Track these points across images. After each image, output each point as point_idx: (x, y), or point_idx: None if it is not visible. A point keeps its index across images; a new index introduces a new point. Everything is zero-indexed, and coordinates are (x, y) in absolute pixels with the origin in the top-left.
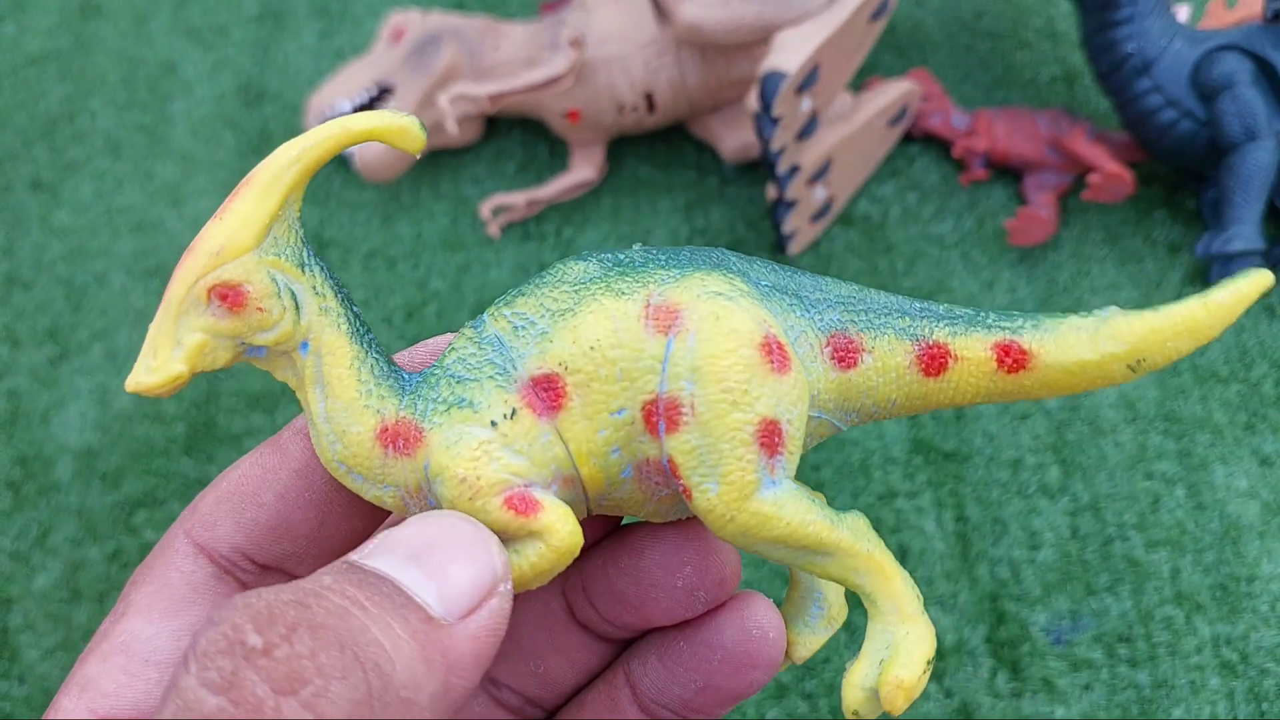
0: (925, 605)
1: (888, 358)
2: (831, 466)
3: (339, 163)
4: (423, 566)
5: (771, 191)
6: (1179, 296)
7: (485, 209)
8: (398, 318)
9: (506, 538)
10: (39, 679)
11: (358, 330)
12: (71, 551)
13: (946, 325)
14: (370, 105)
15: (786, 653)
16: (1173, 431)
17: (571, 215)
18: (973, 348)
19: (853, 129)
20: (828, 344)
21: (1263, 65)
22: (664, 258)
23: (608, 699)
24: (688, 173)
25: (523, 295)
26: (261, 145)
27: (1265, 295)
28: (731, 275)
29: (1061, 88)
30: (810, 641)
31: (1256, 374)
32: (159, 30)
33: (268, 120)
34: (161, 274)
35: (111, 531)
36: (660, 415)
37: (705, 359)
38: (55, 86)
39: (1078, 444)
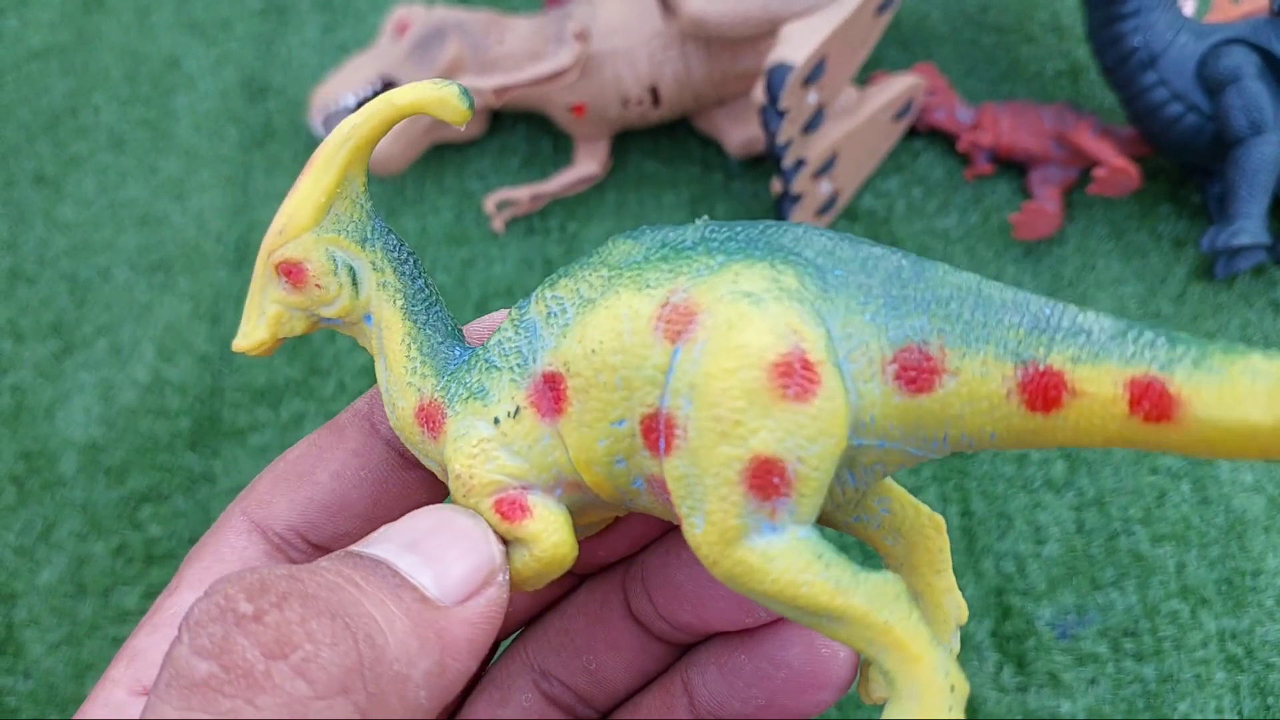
0: None
1: (978, 383)
2: None
3: None
4: (419, 553)
5: (776, 185)
6: (1184, 291)
7: (490, 203)
8: None
9: (500, 539)
10: (44, 674)
11: (415, 305)
12: (76, 546)
13: (1071, 345)
14: (373, 99)
15: (863, 687)
16: None
17: (576, 210)
18: (1099, 381)
19: (858, 123)
20: (895, 359)
21: (1269, 59)
22: (720, 239)
23: (664, 705)
24: (692, 167)
25: (567, 276)
26: (265, 140)
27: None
28: (784, 267)
29: (1067, 82)
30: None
31: None
32: (161, 24)
33: (271, 115)
34: (165, 268)
35: (116, 526)
36: (660, 432)
37: (703, 377)
38: (58, 81)
39: None
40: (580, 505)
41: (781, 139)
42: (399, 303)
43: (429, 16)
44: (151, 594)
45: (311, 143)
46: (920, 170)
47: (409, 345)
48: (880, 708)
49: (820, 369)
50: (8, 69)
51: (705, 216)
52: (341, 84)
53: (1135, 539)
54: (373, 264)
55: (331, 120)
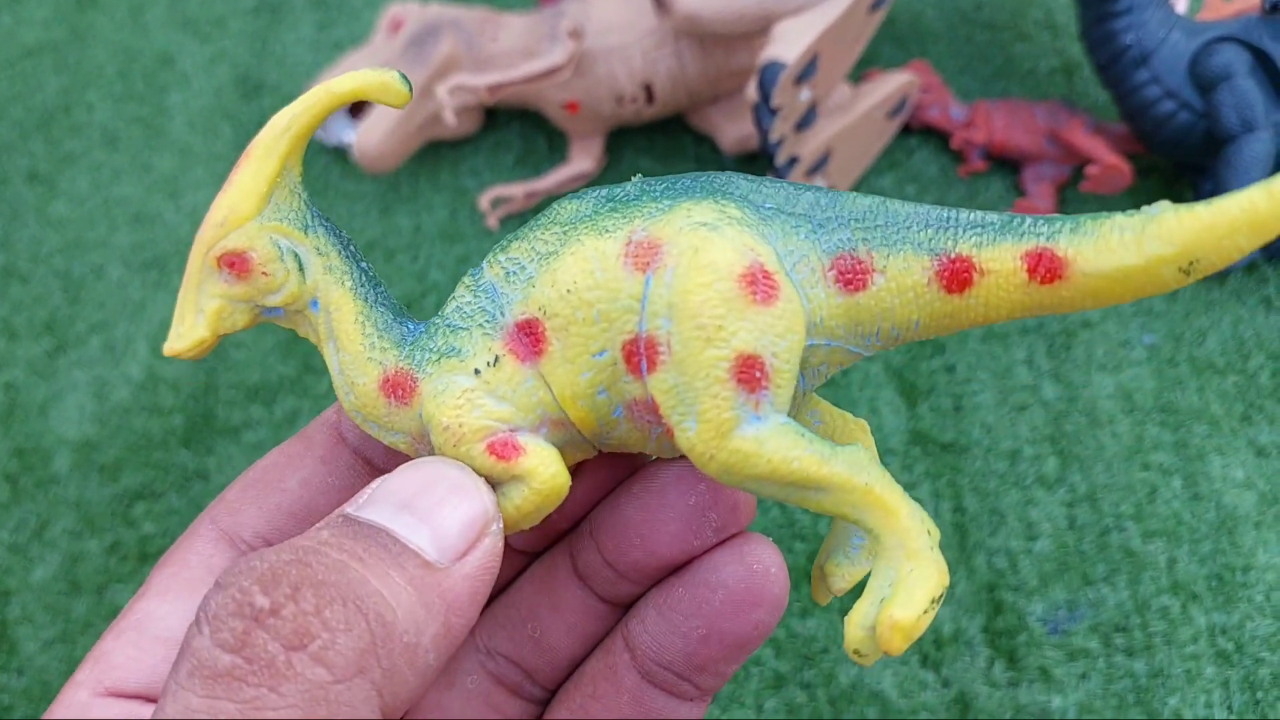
0: None
1: (902, 276)
2: None
3: (337, 154)
4: (414, 513)
5: None
6: (1177, 290)
7: (484, 201)
8: None
9: (494, 482)
10: (38, 671)
11: (363, 286)
12: (70, 544)
13: (973, 235)
14: None
15: (827, 585)
16: (1169, 423)
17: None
18: (1000, 259)
19: (851, 120)
20: (832, 266)
21: (1260, 56)
22: (660, 189)
23: (606, 668)
24: (686, 164)
25: (517, 239)
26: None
27: (1268, 275)
28: (725, 202)
29: (1060, 79)
30: (849, 573)
31: (1253, 365)
32: (155, 22)
33: (265, 112)
34: (159, 266)
35: (110, 524)
36: (641, 354)
37: (680, 295)
38: (51, 78)
39: (1075, 435)
40: (560, 444)
41: (774, 136)
42: (347, 284)
43: (423, 14)
44: None
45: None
46: (914, 167)
47: (363, 323)
48: (806, 656)
49: (777, 277)
50: (1, 66)
51: (639, 175)
52: None
53: (1126, 535)
54: (317, 249)
55: (327, 120)
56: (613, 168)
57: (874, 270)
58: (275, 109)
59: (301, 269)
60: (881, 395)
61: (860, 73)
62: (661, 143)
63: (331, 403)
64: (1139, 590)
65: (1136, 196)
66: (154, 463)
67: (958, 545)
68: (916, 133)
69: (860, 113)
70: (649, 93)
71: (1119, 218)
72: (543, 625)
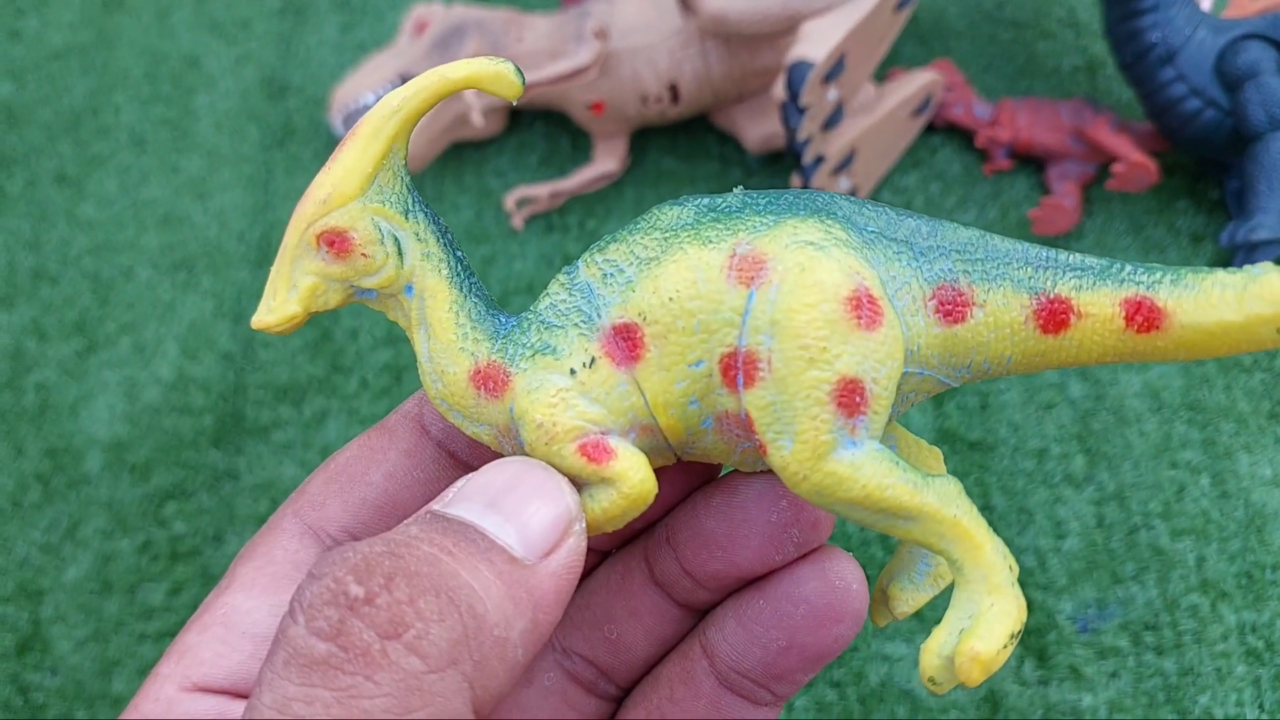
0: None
1: (1001, 312)
2: None
3: None
4: (501, 511)
5: (796, 182)
6: None
7: (509, 201)
8: None
9: (581, 483)
10: (71, 670)
11: (458, 275)
12: (102, 544)
13: (1072, 277)
14: None
15: (889, 607)
16: (1197, 421)
17: (594, 207)
18: (1099, 303)
19: (877, 119)
20: (933, 296)
21: None
22: (763, 202)
23: (683, 671)
24: (711, 164)
25: (616, 241)
26: (285, 139)
27: None
28: (830, 222)
29: (1084, 77)
30: (914, 598)
31: None
32: (181, 24)
33: (291, 113)
34: (188, 267)
35: (141, 523)
36: (739, 369)
37: (785, 313)
38: (79, 81)
39: (1103, 433)
40: (644, 450)
41: (802, 136)
42: (444, 272)
43: (448, 15)
44: (176, 590)
45: (331, 141)
46: (938, 166)
47: (457, 312)
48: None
49: (881, 303)
50: (29, 69)
51: (741, 186)
52: (361, 83)
53: (1155, 533)
54: (416, 235)
55: (351, 119)
56: (637, 167)
57: (974, 304)
58: (300, 110)
59: (400, 253)
60: None
61: (884, 72)
62: (686, 142)
63: (359, 403)
64: (1168, 588)
65: (1164, 196)
66: (184, 462)
67: None
68: (940, 131)
69: (885, 111)
70: (674, 93)
71: (1221, 274)
72: (619, 628)
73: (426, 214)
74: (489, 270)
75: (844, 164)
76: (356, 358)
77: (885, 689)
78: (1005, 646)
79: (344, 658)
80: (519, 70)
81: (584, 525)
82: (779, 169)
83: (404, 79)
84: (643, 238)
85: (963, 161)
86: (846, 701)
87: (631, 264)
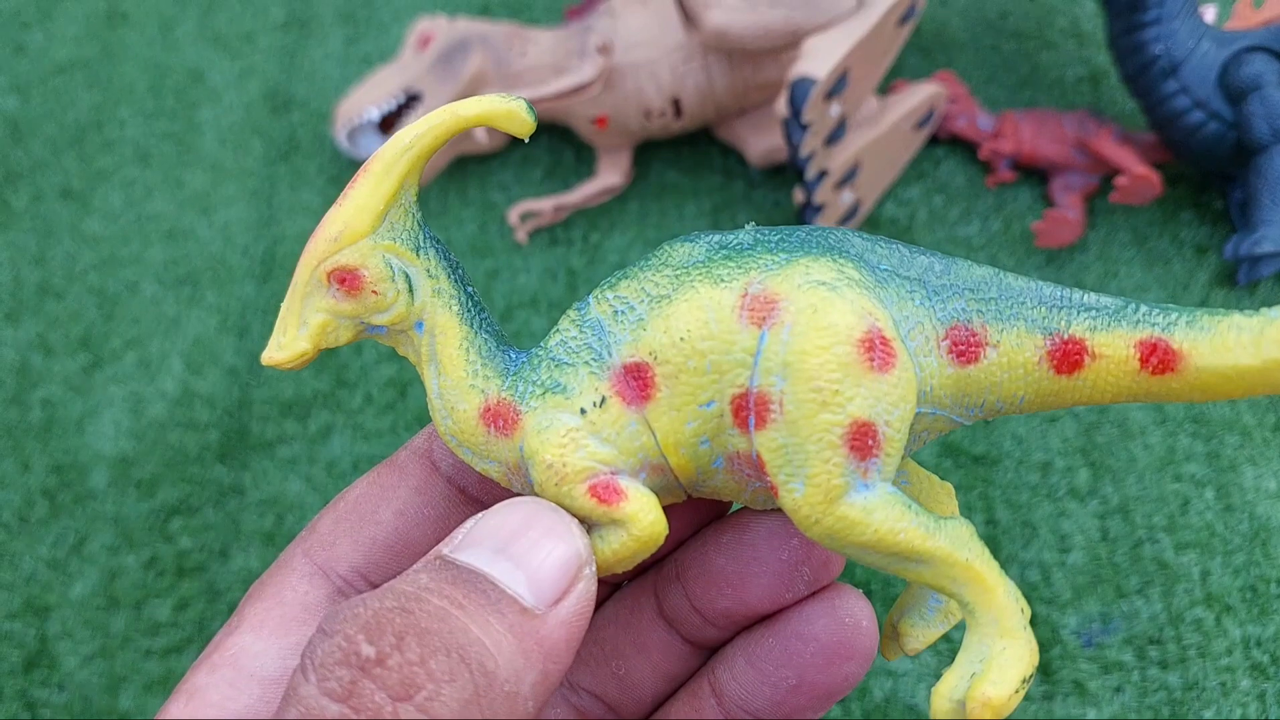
0: None
1: (1014, 353)
2: None
3: None
4: (511, 557)
5: (799, 196)
6: (1206, 298)
7: (513, 215)
8: None
9: (591, 523)
10: (78, 686)
11: (469, 311)
12: (108, 559)
13: (1087, 318)
14: (398, 112)
15: (900, 644)
16: (1201, 434)
17: (598, 220)
18: (1114, 345)
19: (880, 133)
20: (946, 336)
21: None
22: (775, 240)
23: (692, 710)
24: (714, 177)
25: (626, 278)
26: (290, 152)
27: None
28: (843, 261)
29: (1087, 88)
30: (924, 635)
31: None
32: (186, 38)
33: (295, 127)
34: (192, 282)
35: (147, 539)
36: (750, 410)
37: (797, 355)
38: (84, 95)
39: (1107, 446)
40: (655, 489)
41: (805, 151)
42: (454, 309)
43: (452, 29)
44: (182, 606)
45: (336, 155)
46: (942, 178)
47: (467, 349)
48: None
49: (894, 344)
50: (33, 83)
51: (753, 223)
52: (365, 97)
53: (1159, 547)
54: (427, 271)
55: (355, 133)
56: (640, 181)
57: (987, 344)
58: (304, 124)
59: (411, 290)
60: None
61: (887, 84)
62: (689, 156)
63: (363, 418)
64: (1173, 602)
65: (1168, 207)
66: (190, 478)
67: None
68: (944, 143)
69: (888, 125)
70: (677, 107)
71: (1238, 317)
72: (627, 664)
73: (438, 249)
74: (493, 284)
75: (847, 178)
76: (361, 373)
77: (890, 704)
78: (1017, 691)
79: (355, 719)
80: (531, 107)
81: (594, 568)
82: (782, 182)
83: (408, 93)
84: (654, 275)
85: (966, 174)
86: (851, 717)
87: (643, 301)
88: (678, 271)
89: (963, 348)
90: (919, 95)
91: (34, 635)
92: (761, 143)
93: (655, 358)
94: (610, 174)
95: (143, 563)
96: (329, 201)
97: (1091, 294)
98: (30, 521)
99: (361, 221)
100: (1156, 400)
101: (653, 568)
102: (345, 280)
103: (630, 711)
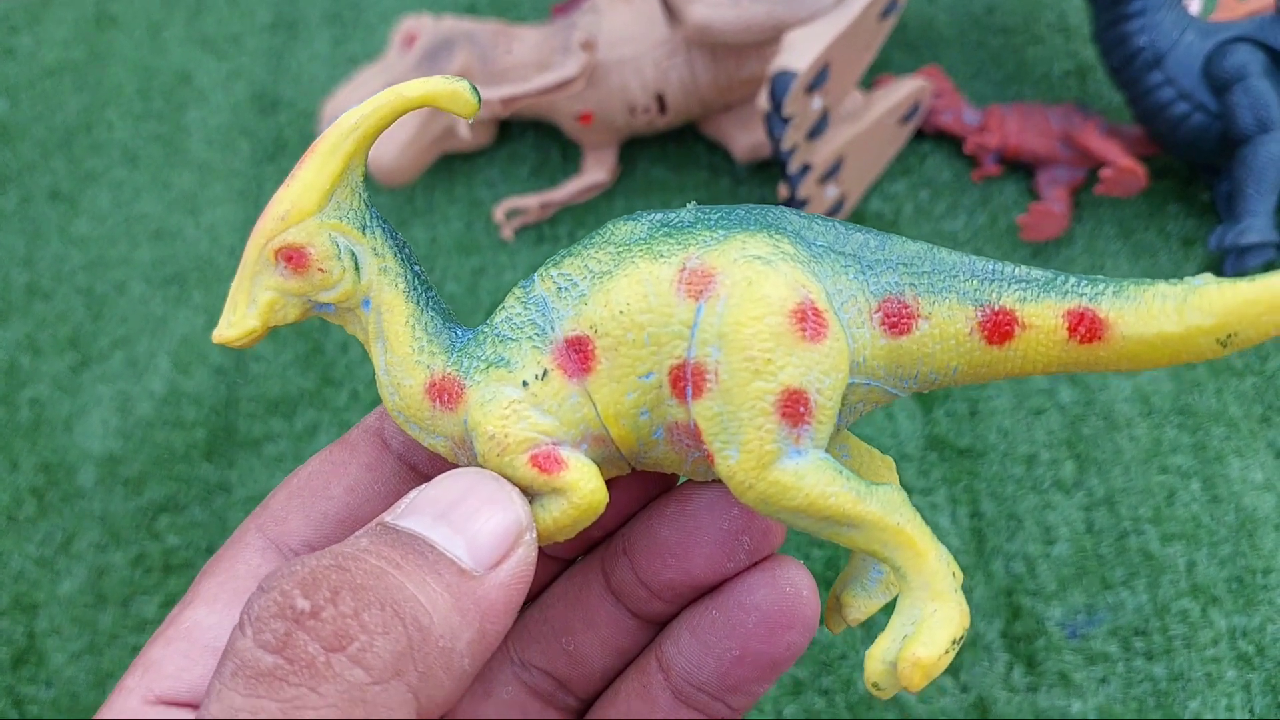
0: None
1: (946, 324)
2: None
3: None
4: (451, 523)
5: (783, 191)
6: None
7: (499, 212)
8: None
9: (533, 493)
10: (66, 682)
11: (415, 288)
12: (95, 557)
13: (1017, 289)
14: None
15: (843, 614)
16: (1188, 425)
17: (585, 217)
18: (1043, 315)
19: (864, 127)
20: (879, 309)
21: (1275, 56)
22: (714, 218)
23: (640, 686)
24: (700, 173)
25: (570, 256)
26: (277, 153)
27: None
28: (779, 236)
29: (1074, 82)
30: (866, 605)
31: (1272, 366)
32: (174, 40)
33: (282, 128)
34: (180, 281)
35: (135, 537)
36: (687, 380)
37: (732, 326)
38: (72, 98)
39: (1092, 439)
40: (598, 460)
41: (786, 145)
42: (400, 286)
43: (437, 28)
44: (170, 603)
45: None
46: (928, 173)
47: (414, 326)
48: (825, 662)
49: (826, 315)
50: (22, 86)
51: (694, 201)
52: (350, 97)
53: (1145, 538)
54: (374, 249)
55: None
56: (627, 177)
57: (919, 315)
58: (291, 124)
59: (357, 268)
60: (898, 400)
61: (872, 79)
62: (675, 152)
63: (350, 416)
64: (1158, 594)
65: (1154, 200)
66: (177, 476)
67: (975, 550)
68: (930, 138)
69: (872, 119)
70: (661, 103)
71: (1162, 285)
72: (576, 640)
73: (384, 229)
74: (479, 281)
75: (831, 172)
76: (347, 371)
77: (874, 696)
78: (947, 652)
79: (289, 670)
80: (474, 88)
81: (535, 535)
82: (768, 177)
83: None
84: (597, 252)
85: (952, 168)
86: (835, 709)
87: (585, 278)
88: (619, 248)
89: (895, 319)
90: (904, 90)
91: (22, 632)
92: (746, 138)
93: (596, 331)
94: (596, 171)
95: (130, 560)
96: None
97: (1023, 267)
98: (18, 520)
99: (308, 200)
100: (1087, 370)
101: (601, 544)
102: (292, 258)
103: (581, 687)
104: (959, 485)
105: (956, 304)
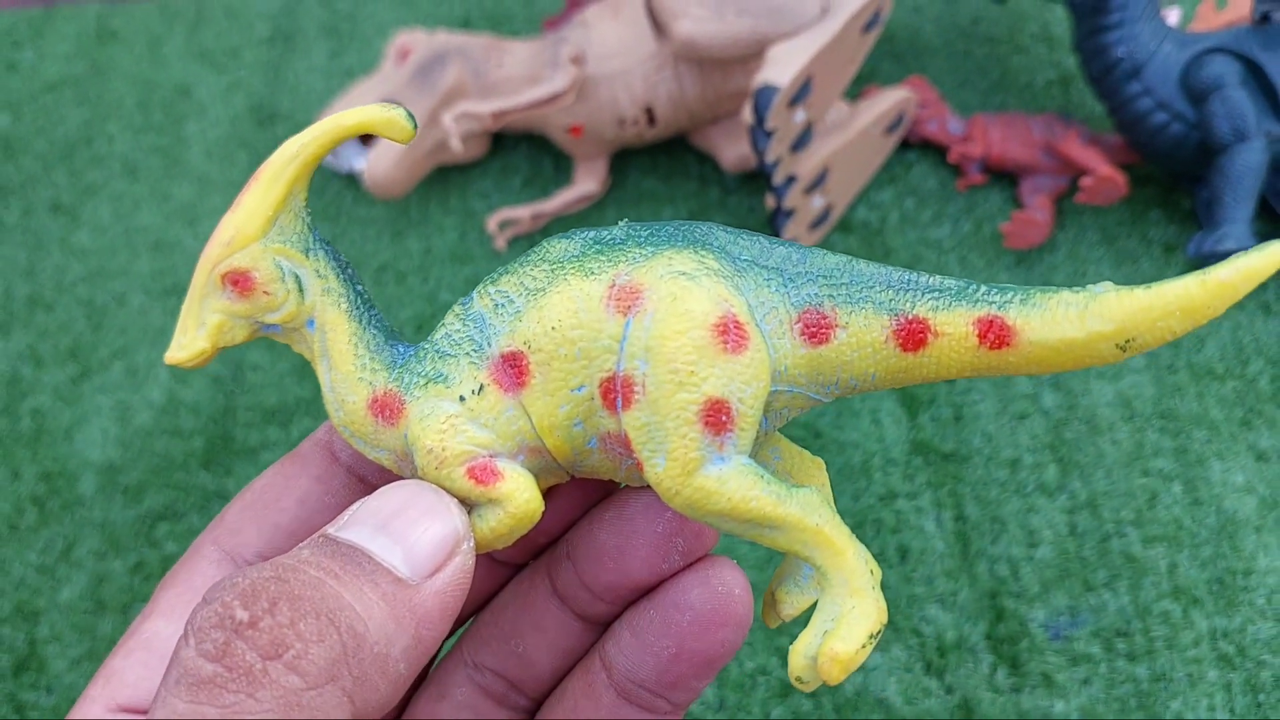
0: (924, 603)
1: (862, 333)
2: (833, 469)
3: (349, 181)
4: (389, 533)
5: (770, 201)
6: None
7: (492, 223)
8: (408, 330)
9: (470, 504)
10: (66, 688)
11: (358, 307)
12: (95, 564)
13: (930, 299)
14: None
15: (776, 610)
16: (1169, 429)
17: (576, 227)
18: (954, 323)
19: (848, 138)
20: (799, 320)
21: (1251, 67)
22: (644, 235)
23: (585, 685)
24: (689, 183)
25: (507, 273)
26: None
27: (1266, 280)
28: (705, 252)
29: (1058, 91)
30: (798, 601)
31: (1253, 370)
32: (173, 54)
33: (280, 140)
34: (179, 293)
35: (134, 544)
36: (618, 392)
37: (657, 340)
38: (73, 111)
39: (1075, 442)
40: (536, 470)
41: (770, 157)
42: (343, 306)
43: (430, 42)
44: None
45: (319, 169)
46: (913, 181)
47: (356, 344)
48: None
49: (748, 328)
50: (25, 100)
51: (625, 219)
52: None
53: (1127, 540)
54: (316, 271)
55: (339, 148)
56: (618, 188)
57: (837, 325)
58: (290, 136)
59: (301, 290)
60: (883, 406)
61: (858, 89)
62: (665, 163)
63: None
64: (1140, 595)
65: (1136, 207)
66: (175, 484)
67: (959, 553)
68: (915, 147)
69: (857, 130)
70: (650, 115)
71: (1066, 294)
72: (525, 642)
73: (327, 251)
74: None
75: (816, 183)
76: None
77: (861, 698)
78: (864, 646)
79: (228, 677)
80: (410, 115)
81: (472, 544)
82: (756, 186)
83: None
84: (532, 269)
85: (937, 177)
86: (823, 710)
87: (520, 294)
88: (553, 266)
89: (814, 329)
90: (888, 100)
91: (23, 639)
92: (734, 149)
93: (529, 346)
94: (587, 181)
95: (129, 567)
96: (310, 211)
97: (937, 277)
98: (20, 529)
99: (252, 226)
100: (997, 374)
101: (546, 550)
102: (238, 282)
103: (531, 688)
104: (944, 489)
105: (872, 313)
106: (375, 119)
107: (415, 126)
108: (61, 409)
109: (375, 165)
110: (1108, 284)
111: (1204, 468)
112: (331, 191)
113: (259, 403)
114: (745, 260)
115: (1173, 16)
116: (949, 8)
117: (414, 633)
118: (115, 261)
